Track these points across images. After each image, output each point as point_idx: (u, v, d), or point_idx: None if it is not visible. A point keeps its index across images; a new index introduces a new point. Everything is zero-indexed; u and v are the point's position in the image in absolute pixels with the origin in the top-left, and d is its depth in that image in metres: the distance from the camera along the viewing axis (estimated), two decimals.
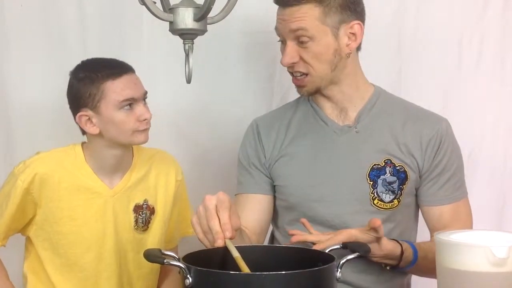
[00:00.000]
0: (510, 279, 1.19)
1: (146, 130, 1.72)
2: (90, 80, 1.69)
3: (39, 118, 2.12)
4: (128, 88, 1.69)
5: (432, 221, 1.70)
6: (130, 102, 1.69)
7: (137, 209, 1.79)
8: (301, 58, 1.63)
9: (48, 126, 2.13)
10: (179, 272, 1.20)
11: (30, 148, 2.08)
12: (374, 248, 1.49)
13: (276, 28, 1.67)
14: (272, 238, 1.82)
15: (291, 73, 1.68)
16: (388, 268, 1.60)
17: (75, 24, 2.13)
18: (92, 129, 1.71)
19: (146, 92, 1.73)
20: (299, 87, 1.69)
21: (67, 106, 2.12)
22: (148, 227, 1.81)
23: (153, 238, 1.81)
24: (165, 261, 1.22)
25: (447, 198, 1.69)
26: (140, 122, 1.70)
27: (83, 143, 1.79)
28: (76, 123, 1.74)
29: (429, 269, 1.50)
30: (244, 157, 1.78)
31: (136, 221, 1.79)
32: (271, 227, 1.82)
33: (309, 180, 1.68)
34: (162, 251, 1.28)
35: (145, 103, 1.73)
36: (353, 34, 1.65)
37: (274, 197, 1.76)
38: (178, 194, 1.86)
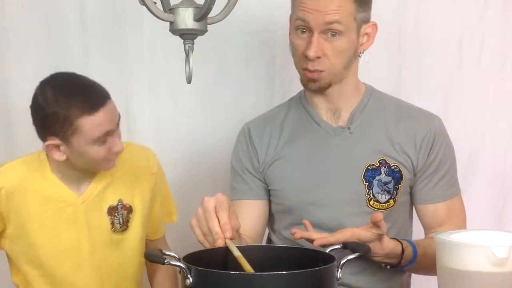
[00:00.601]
0: (510, 279, 1.19)
1: (115, 158, 1.66)
2: (63, 112, 1.56)
3: None
4: (106, 122, 1.58)
5: (427, 219, 1.70)
6: (106, 138, 1.60)
7: (111, 211, 1.72)
8: (324, 53, 1.60)
9: None
10: (179, 272, 1.20)
11: (30, 148, 2.08)
12: (376, 247, 1.48)
13: (302, 18, 1.58)
14: (269, 242, 1.80)
15: (304, 69, 1.62)
16: (388, 267, 1.59)
17: (75, 25, 2.13)
18: (58, 156, 1.62)
19: (119, 118, 1.62)
20: (310, 80, 1.63)
21: None
22: (127, 227, 1.74)
23: (134, 236, 1.75)
24: (165, 261, 1.22)
25: (442, 196, 1.68)
26: (110, 153, 1.62)
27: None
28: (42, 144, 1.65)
29: (427, 266, 1.51)
30: (237, 162, 1.76)
31: (113, 223, 1.72)
32: (267, 231, 1.81)
33: (304, 183, 1.67)
34: (163, 251, 1.28)
35: (118, 131, 1.63)
36: (367, 34, 1.64)
37: (269, 201, 1.75)
38: (156, 186, 1.80)
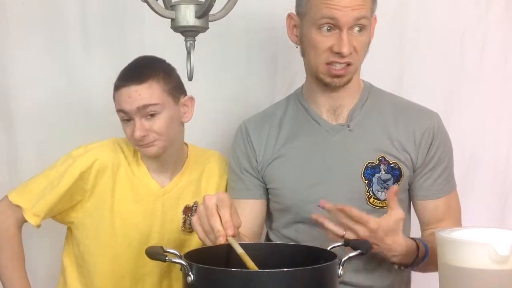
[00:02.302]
0: None
1: (147, 145, 1.69)
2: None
3: (41, 116, 2.12)
4: (121, 99, 1.67)
5: (427, 215, 1.70)
6: (127, 117, 1.68)
7: (187, 210, 1.78)
8: (354, 48, 1.59)
9: (50, 124, 2.13)
10: (180, 270, 1.20)
11: (32, 147, 2.09)
12: (396, 242, 1.47)
13: (330, 16, 1.56)
14: (268, 241, 1.79)
15: (330, 64, 1.60)
16: (402, 268, 1.59)
17: (76, 22, 2.12)
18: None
19: (146, 106, 1.66)
20: (336, 76, 1.62)
21: (68, 104, 2.13)
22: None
23: (197, 239, 1.79)
24: (167, 258, 1.22)
25: (441, 191, 1.68)
26: (134, 139, 1.68)
27: None
28: None
29: (434, 263, 1.49)
30: (235, 162, 1.75)
31: (184, 222, 1.78)
32: (265, 230, 1.81)
33: (304, 182, 1.67)
34: (164, 248, 1.28)
35: (148, 118, 1.68)
36: (371, 27, 1.65)
37: (267, 201, 1.75)
38: None
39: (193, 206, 1.79)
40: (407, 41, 2.22)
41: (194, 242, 1.77)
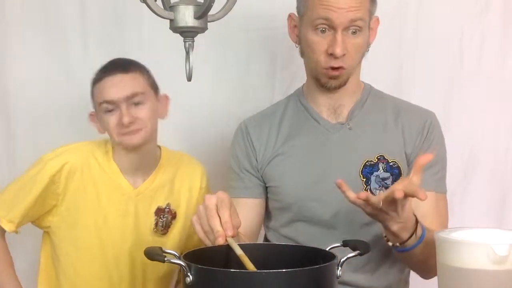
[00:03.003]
0: (510, 277, 1.19)
1: (133, 132, 1.69)
2: (91, 83, 1.74)
3: (40, 116, 2.12)
4: (106, 89, 1.69)
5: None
6: (111, 107, 1.69)
7: (159, 212, 1.78)
8: (347, 50, 1.59)
9: (49, 124, 2.13)
10: (180, 270, 1.20)
11: (31, 147, 2.09)
12: (404, 206, 1.41)
13: (325, 17, 1.57)
14: (266, 240, 1.80)
15: (326, 67, 1.61)
16: (397, 244, 1.50)
17: (76, 23, 2.13)
18: (100, 129, 1.75)
19: (134, 95, 1.69)
20: (332, 78, 1.63)
21: (68, 104, 2.13)
22: (167, 231, 1.80)
23: (171, 242, 1.80)
24: (165, 259, 1.22)
25: (428, 184, 1.60)
26: (121, 126, 1.68)
27: None
28: None
29: (426, 254, 1.46)
30: (235, 161, 1.75)
31: (156, 224, 1.78)
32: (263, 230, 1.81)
33: (304, 180, 1.67)
34: (163, 249, 1.28)
35: (134, 106, 1.69)
36: (372, 29, 1.65)
37: (265, 200, 1.74)
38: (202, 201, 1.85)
39: (165, 208, 1.79)
40: (406, 41, 2.22)
41: (167, 245, 1.76)
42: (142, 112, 1.70)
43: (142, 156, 1.76)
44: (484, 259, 1.18)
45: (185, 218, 1.81)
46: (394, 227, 1.45)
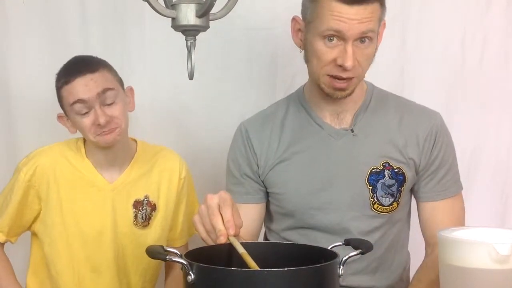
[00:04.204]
0: None
1: (110, 130, 1.70)
2: (56, 85, 1.73)
3: (41, 116, 2.12)
4: (76, 90, 1.68)
5: (426, 217, 1.67)
6: (85, 108, 1.68)
7: (137, 204, 1.79)
8: (357, 61, 1.55)
9: (50, 124, 2.12)
10: (181, 269, 1.20)
11: (33, 145, 2.08)
12: None
13: (335, 29, 1.51)
14: (266, 240, 1.79)
15: (333, 77, 1.57)
16: None
17: (77, 21, 2.13)
18: (71, 130, 1.75)
19: (104, 90, 1.68)
20: (338, 90, 1.59)
21: None
22: (148, 223, 1.81)
23: (154, 234, 1.81)
24: (167, 257, 1.22)
25: (444, 193, 1.66)
26: (97, 127, 1.69)
27: (85, 138, 1.79)
28: None
29: None
30: (235, 165, 1.72)
31: (136, 216, 1.79)
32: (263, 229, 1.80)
33: (307, 187, 1.65)
34: (165, 247, 1.28)
35: (107, 106, 1.69)
36: (379, 33, 1.61)
37: (266, 203, 1.73)
38: (183, 192, 1.86)
39: (143, 200, 1.80)
40: (408, 41, 2.22)
41: (150, 238, 1.80)
42: (116, 110, 1.70)
43: (116, 151, 1.77)
44: (486, 258, 1.18)
45: (166, 210, 1.83)
46: None
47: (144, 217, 1.80)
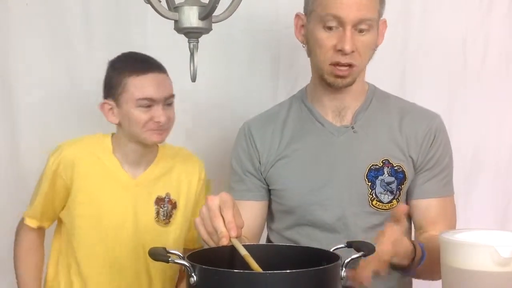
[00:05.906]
0: None
1: (160, 131, 1.75)
2: (118, 71, 1.75)
3: (43, 116, 2.12)
4: (150, 86, 1.73)
5: (419, 215, 1.67)
6: (149, 103, 1.72)
7: (159, 201, 1.82)
8: (356, 47, 1.59)
9: (53, 124, 2.13)
10: (183, 271, 1.20)
11: (36, 147, 2.09)
12: (398, 244, 1.43)
13: (334, 14, 1.57)
14: (268, 241, 1.79)
15: (335, 64, 1.60)
16: (400, 271, 1.55)
17: (79, 23, 2.13)
18: (112, 119, 1.77)
19: (171, 96, 1.76)
20: (339, 77, 1.62)
21: (71, 104, 2.14)
22: (170, 221, 1.83)
23: (174, 232, 1.83)
24: (169, 259, 1.22)
25: (436, 192, 1.67)
26: (153, 123, 1.73)
27: (112, 134, 1.83)
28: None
29: (432, 265, 1.47)
30: (237, 163, 1.74)
31: (158, 213, 1.81)
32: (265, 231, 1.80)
33: (308, 184, 1.66)
34: (167, 249, 1.28)
35: (167, 107, 1.75)
36: (380, 31, 1.65)
37: (268, 202, 1.74)
38: (202, 193, 1.89)
39: (165, 197, 1.83)
40: (410, 43, 2.22)
41: (171, 235, 1.82)
42: (172, 112, 1.78)
43: (145, 150, 1.81)
44: (487, 260, 1.18)
45: (185, 210, 1.85)
46: (394, 260, 1.47)
47: (165, 214, 1.82)
